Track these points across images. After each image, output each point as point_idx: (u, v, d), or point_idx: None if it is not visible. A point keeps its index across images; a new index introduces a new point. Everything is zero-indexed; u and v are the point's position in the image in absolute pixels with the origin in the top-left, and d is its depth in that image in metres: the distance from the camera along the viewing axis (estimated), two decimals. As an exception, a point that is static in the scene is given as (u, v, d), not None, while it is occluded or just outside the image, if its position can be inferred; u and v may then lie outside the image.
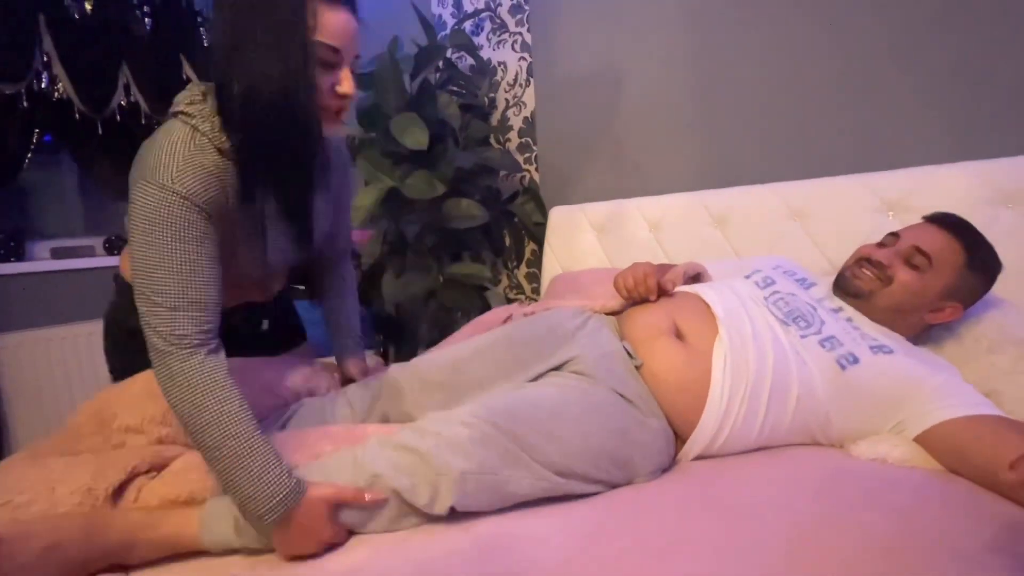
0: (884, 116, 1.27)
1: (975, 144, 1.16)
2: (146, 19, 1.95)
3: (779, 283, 0.92)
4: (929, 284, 0.83)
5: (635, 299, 0.94)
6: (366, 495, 0.64)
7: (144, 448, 0.75)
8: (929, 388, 0.73)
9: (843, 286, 0.90)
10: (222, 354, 0.70)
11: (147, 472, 0.72)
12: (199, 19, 2.06)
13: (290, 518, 0.62)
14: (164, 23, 1.95)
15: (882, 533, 0.55)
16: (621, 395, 0.77)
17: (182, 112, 0.73)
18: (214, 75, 0.72)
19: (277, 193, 0.78)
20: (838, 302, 0.90)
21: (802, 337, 0.82)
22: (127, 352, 0.90)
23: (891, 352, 0.77)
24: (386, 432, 0.75)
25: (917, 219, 0.95)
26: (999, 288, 0.95)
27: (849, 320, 0.85)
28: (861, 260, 0.89)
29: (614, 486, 0.72)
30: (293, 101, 0.69)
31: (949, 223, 0.87)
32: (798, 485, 0.67)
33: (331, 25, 0.71)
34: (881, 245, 0.90)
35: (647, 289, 0.92)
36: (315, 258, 1.03)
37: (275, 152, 0.73)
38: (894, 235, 0.90)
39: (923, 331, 0.90)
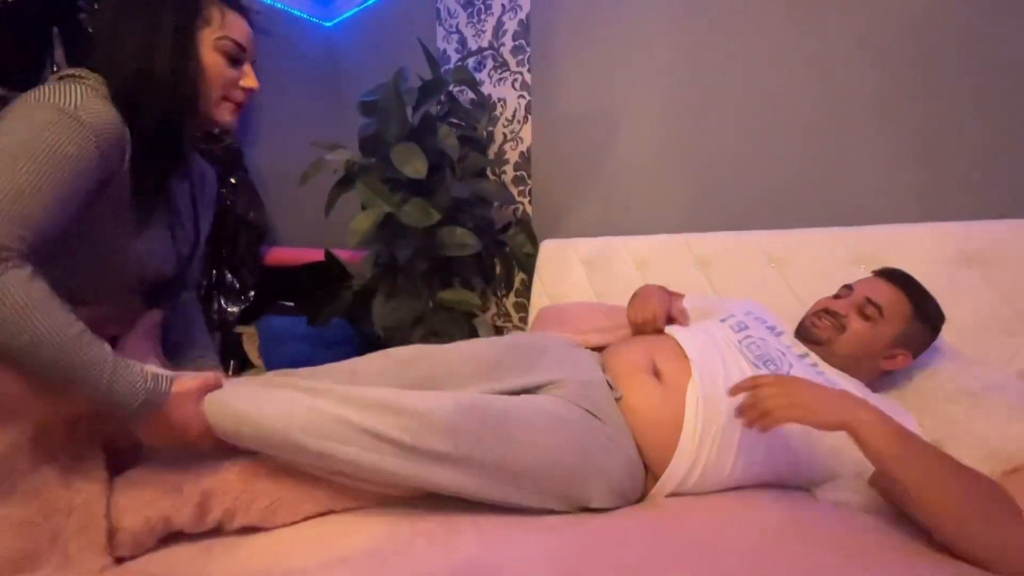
0: (861, 174, 1.35)
1: (942, 205, 1.24)
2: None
3: (752, 328, 0.97)
4: (880, 333, 0.91)
5: (643, 331, 1.04)
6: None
7: None
8: None
9: (804, 334, 0.97)
10: (28, 268, 0.63)
11: None
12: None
13: (156, 416, 0.66)
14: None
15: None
16: (596, 418, 0.79)
17: (72, 75, 0.74)
18: (100, 57, 0.76)
19: (139, 170, 0.76)
20: (804, 348, 0.95)
21: None
22: None
23: None
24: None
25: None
26: (956, 342, 1.01)
27: (814, 365, 0.90)
28: (819, 311, 0.97)
29: (566, 506, 0.75)
30: (172, 81, 0.76)
31: (897, 278, 0.96)
32: (764, 527, 0.70)
33: (235, 25, 0.83)
34: (837, 297, 0.98)
35: (655, 328, 1.03)
36: (168, 282, 0.92)
37: (149, 126, 0.75)
38: (848, 287, 0.98)
39: (880, 377, 0.96)
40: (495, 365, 0.86)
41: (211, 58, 0.80)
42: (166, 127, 0.78)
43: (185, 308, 1.04)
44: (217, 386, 0.72)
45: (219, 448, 0.71)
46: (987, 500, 0.60)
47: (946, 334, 1.00)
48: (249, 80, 0.85)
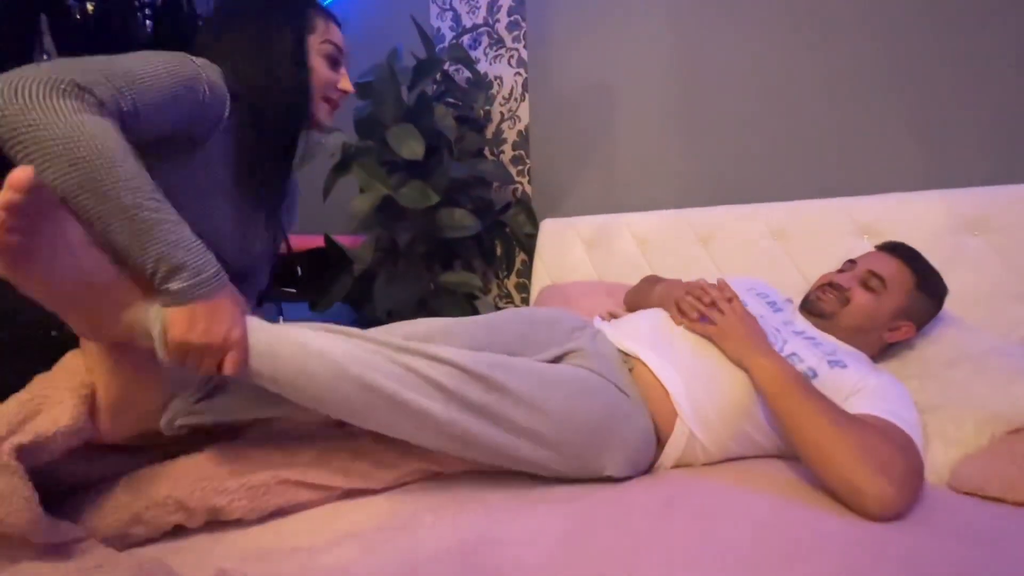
0: (862, 142, 1.33)
1: (945, 173, 1.23)
2: (147, 21, 1.97)
3: (750, 305, 0.97)
4: (884, 304, 0.92)
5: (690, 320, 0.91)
6: None
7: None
8: (866, 389, 0.79)
9: (809, 308, 0.98)
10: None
11: None
12: (200, 22, 2.08)
13: (206, 303, 0.62)
14: (165, 26, 1.97)
15: (850, 538, 0.59)
16: (618, 387, 0.80)
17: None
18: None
19: (254, 165, 0.81)
20: (803, 324, 0.96)
21: None
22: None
23: (844, 366, 0.83)
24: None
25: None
26: (958, 309, 1.01)
27: (812, 339, 0.90)
28: (824, 285, 0.98)
29: (581, 473, 0.76)
30: (286, 84, 0.81)
31: (899, 250, 0.97)
32: (764, 493, 0.71)
33: (334, 30, 0.89)
34: (840, 271, 0.99)
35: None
36: (248, 272, 0.94)
37: (270, 129, 0.81)
38: (852, 262, 0.99)
39: (884, 349, 0.96)
40: (517, 337, 0.86)
41: (316, 62, 0.85)
42: (286, 130, 0.84)
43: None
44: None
45: (236, 372, 0.66)
46: (860, 447, 0.66)
47: (950, 302, 0.99)
48: (345, 83, 0.90)
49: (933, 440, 0.79)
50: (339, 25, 0.91)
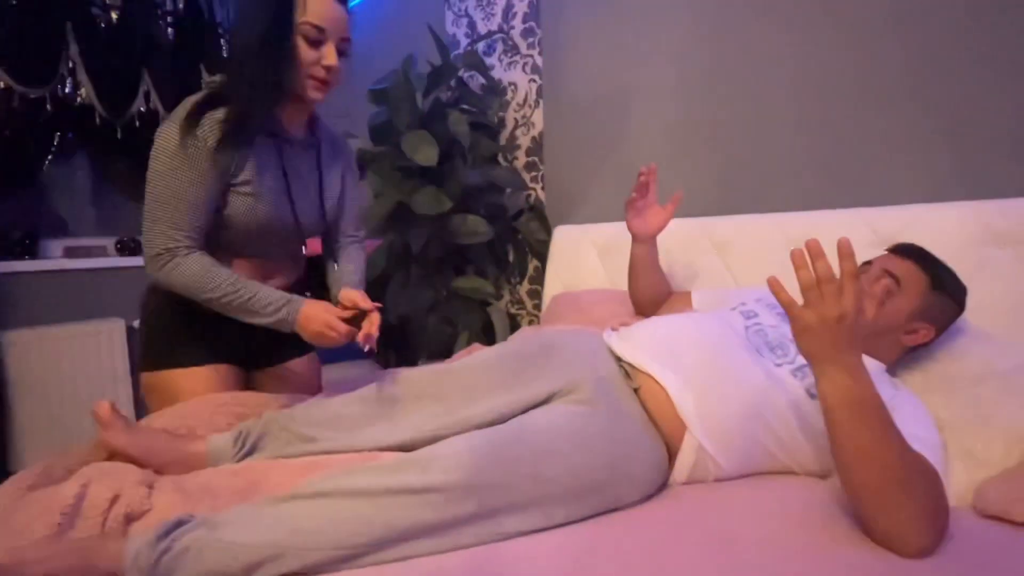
0: (884, 153, 1.30)
1: (969, 184, 1.19)
2: (169, 29, 2.01)
3: (761, 316, 0.95)
4: (898, 306, 0.89)
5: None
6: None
7: (127, 473, 0.75)
8: None
9: None
10: (199, 253, 0.93)
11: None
12: (219, 30, 2.11)
13: (300, 324, 0.93)
14: (186, 33, 2.01)
15: (868, 571, 0.57)
16: (620, 415, 0.78)
17: (207, 84, 0.99)
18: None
19: (237, 116, 0.93)
20: None
21: (776, 366, 0.85)
22: (157, 341, 1.06)
23: None
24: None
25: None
26: (985, 324, 0.97)
27: None
28: None
29: (593, 512, 0.73)
30: (268, 57, 0.92)
31: (911, 251, 0.95)
32: (783, 516, 0.69)
33: (316, 9, 0.91)
34: None
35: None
36: (328, 232, 1.18)
37: (244, 94, 0.93)
38: (867, 263, 0.96)
39: (903, 354, 0.93)
40: (507, 375, 0.86)
41: (295, 41, 0.91)
42: (256, 98, 0.94)
43: (352, 258, 1.20)
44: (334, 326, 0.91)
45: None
46: (905, 489, 0.60)
47: (976, 316, 0.96)
48: (328, 58, 0.94)
49: (956, 460, 0.76)
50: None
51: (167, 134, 0.90)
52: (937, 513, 0.62)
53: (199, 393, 1.00)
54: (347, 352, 1.28)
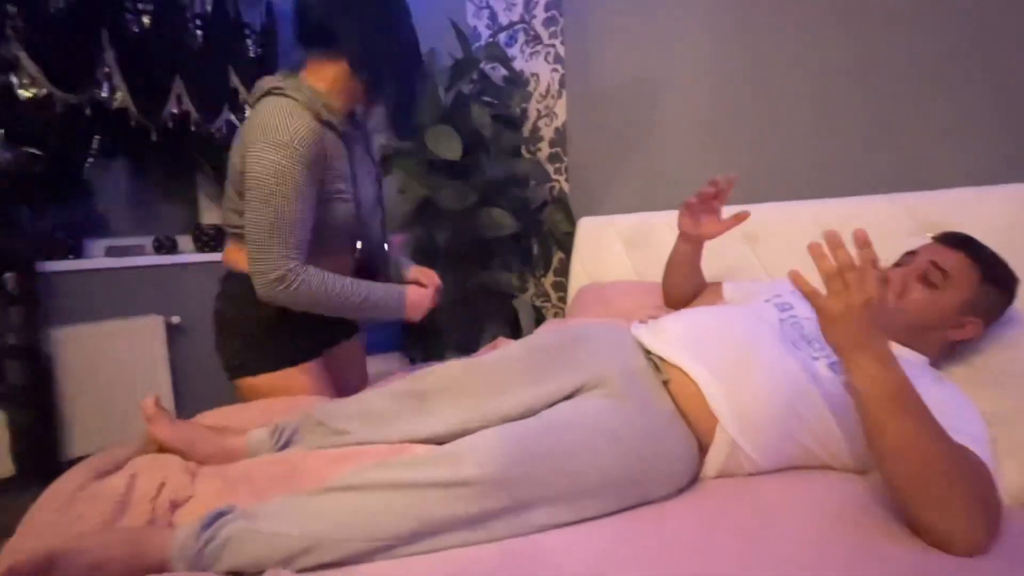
0: (922, 135, 1.25)
1: (1015, 167, 1.13)
2: (198, 32, 2.05)
3: (796, 308, 0.93)
4: (946, 299, 0.84)
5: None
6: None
7: (172, 463, 0.79)
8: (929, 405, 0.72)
9: None
10: (310, 267, 1.00)
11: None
12: (246, 32, 2.15)
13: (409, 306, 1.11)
14: (214, 37, 2.05)
15: (907, 568, 0.56)
16: (648, 409, 0.78)
17: (275, 89, 0.97)
18: (334, 42, 1.00)
19: (394, 109, 1.09)
20: None
21: (813, 359, 0.83)
22: (237, 343, 1.11)
23: None
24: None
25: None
26: (1037, 315, 0.93)
27: None
28: None
29: (624, 505, 0.73)
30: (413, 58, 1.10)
31: (960, 241, 0.89)
32: (818, 511, 0.67)
33: None
34: (897, 265, 0.92)
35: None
36: (368, 231, 1.20)
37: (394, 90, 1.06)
38: (911, 253, 0.92)
39: (948, 349, 0.89)
40: (535, 368, 0.86)
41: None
42: (410, 89, 1.09)
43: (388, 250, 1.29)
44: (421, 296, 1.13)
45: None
46: (949, 482, 0.58)
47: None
48: None
49: (1009, 457, 0.73)
50: None
51: (266, 160, 0.92)
52: (986, 508, 0.59)
53: (308, 388, 1.10)
54: (376, 346, 1.31)
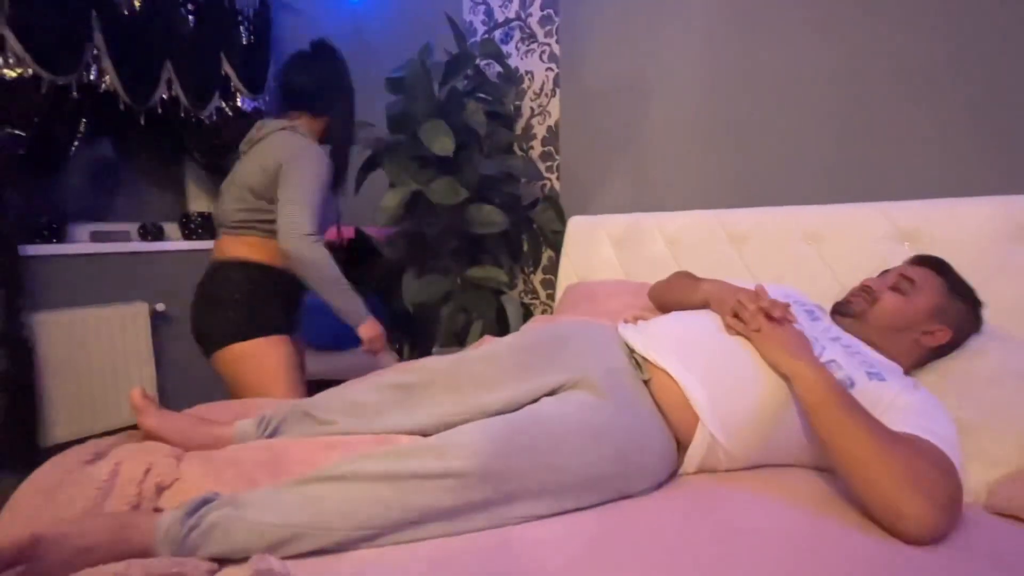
0: (904, 146, 1.28)
1: (994, 179, 1.17)
2: (190, 17, 2.03)
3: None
4: (914, 305, 0.91)
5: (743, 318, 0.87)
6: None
7: (158, 449, 0.79)
8: (903, 405, 0.77)
9: (840, 309, 0.99)
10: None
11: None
12: (239, 18, 2.13)
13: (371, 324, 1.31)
14: (207, 22, 2.02)
15: (883, 561, 0.58)
16: (626, 408, 0.80)
17: (290, 127, 1.30)
18: (319, 109, 1.36)
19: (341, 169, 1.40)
20: (838, 331, 0.93)
21: None
22: (230, 312, 1.26)
23: (883, 379, 0.81)
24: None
25: (932, 249, 1.03)
26: (1005, 323, 0.96)
27: (848, 347, 0.88)
28: (856, 288, 1.00)
29: (604, 499, 0.74)
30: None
31: (929, 260, 0.98)
32: (791, 506, 0.70)
33: None
34: (876, 277, 1.01)
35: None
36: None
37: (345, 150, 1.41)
38: (887, 272, 1.00)
39: (921, 355, 0.93)
40: (519, 365, 0.88)
41: None
42: (346, 147, 1.42)
43: None
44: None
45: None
46: (904, 468, 0.64)
47: (1000, 315, 0.95)
48: None
49: (971, 459, 0.76)
50: None
51: (311, 148, 1.26)
52: (939, 494, 0.63)
53: (291, 356, 1.29)
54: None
